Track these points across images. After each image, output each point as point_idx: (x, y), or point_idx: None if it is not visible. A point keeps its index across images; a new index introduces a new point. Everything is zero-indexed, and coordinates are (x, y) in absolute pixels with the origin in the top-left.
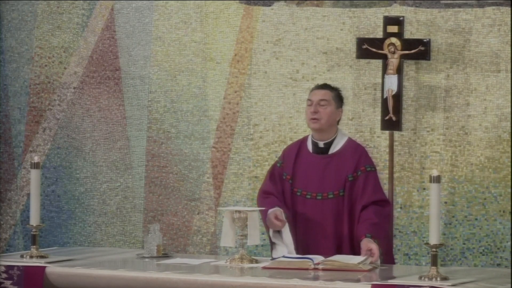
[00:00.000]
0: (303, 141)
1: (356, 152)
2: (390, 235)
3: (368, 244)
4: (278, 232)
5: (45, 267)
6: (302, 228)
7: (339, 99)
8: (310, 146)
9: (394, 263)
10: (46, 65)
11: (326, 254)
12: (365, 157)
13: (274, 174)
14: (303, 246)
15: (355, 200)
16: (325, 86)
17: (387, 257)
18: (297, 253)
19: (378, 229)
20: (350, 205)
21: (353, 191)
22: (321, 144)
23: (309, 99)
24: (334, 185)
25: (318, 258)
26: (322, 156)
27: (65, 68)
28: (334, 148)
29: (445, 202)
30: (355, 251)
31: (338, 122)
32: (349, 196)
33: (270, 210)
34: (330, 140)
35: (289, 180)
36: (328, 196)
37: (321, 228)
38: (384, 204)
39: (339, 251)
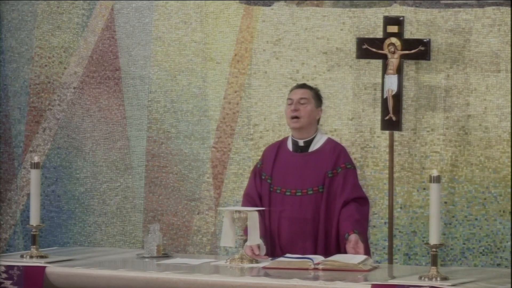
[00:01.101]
0: (283, 141)
1: (336, 150)
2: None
3: (358, 241)
4: None
5: (45, 267)
6: (279, 226)
7: (318, 98)
8: (290, 145)
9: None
10: (46, 65)
11: (303, 252)
12: (344, 155)
13: (254, 177)
14: (281, 244)
15: (335, 196)
16: (304, 85)
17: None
18: (274, 253)
19: (360, 227)
20: (328, 201)
21: (332, 188)
22: (301, 142)
23: (289, 98)
24: (314, 181)
25: (318, 258)
26: (301, 154)
27: (65, 68)
28: (314, 146)
29: (445, 202)
30: (330, 250)
31: (318, 121)
32: (328, 193)
33: (248, 243)
34: (310, 138)
35: (267, 180)
36: (308, 192)
37: (299, 225)
38: (363, 202)
39: (315, 249)
